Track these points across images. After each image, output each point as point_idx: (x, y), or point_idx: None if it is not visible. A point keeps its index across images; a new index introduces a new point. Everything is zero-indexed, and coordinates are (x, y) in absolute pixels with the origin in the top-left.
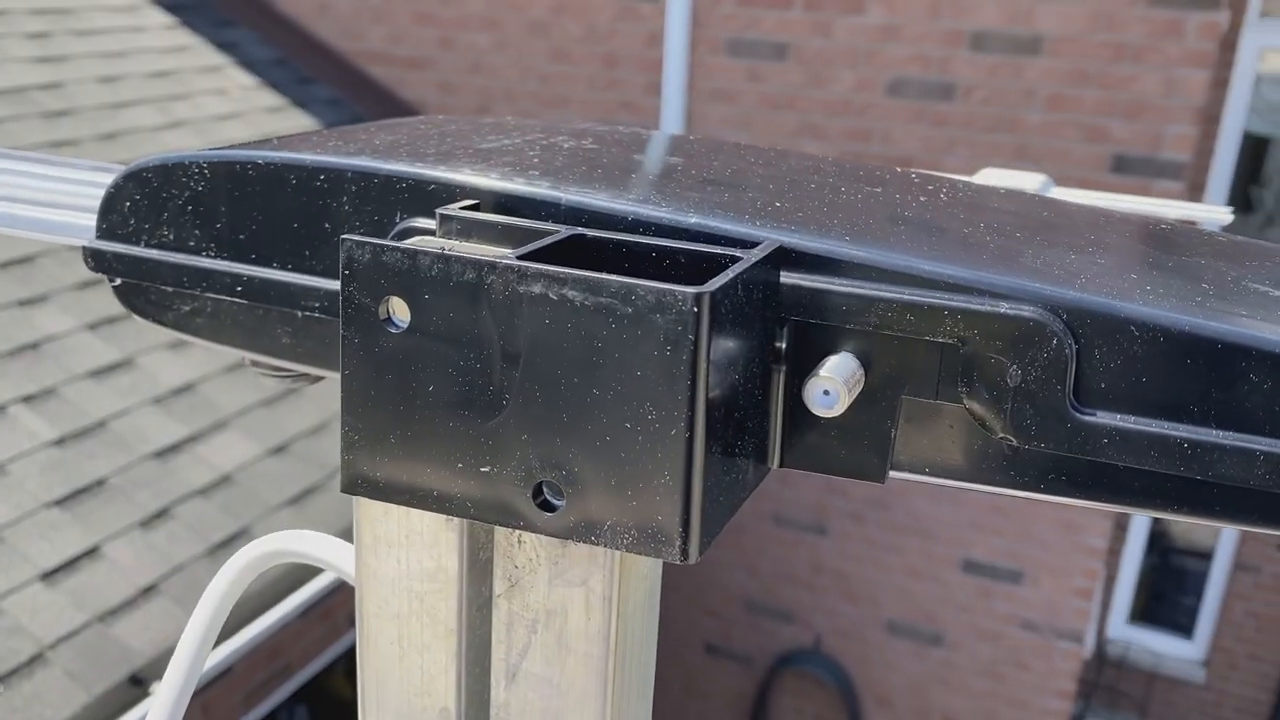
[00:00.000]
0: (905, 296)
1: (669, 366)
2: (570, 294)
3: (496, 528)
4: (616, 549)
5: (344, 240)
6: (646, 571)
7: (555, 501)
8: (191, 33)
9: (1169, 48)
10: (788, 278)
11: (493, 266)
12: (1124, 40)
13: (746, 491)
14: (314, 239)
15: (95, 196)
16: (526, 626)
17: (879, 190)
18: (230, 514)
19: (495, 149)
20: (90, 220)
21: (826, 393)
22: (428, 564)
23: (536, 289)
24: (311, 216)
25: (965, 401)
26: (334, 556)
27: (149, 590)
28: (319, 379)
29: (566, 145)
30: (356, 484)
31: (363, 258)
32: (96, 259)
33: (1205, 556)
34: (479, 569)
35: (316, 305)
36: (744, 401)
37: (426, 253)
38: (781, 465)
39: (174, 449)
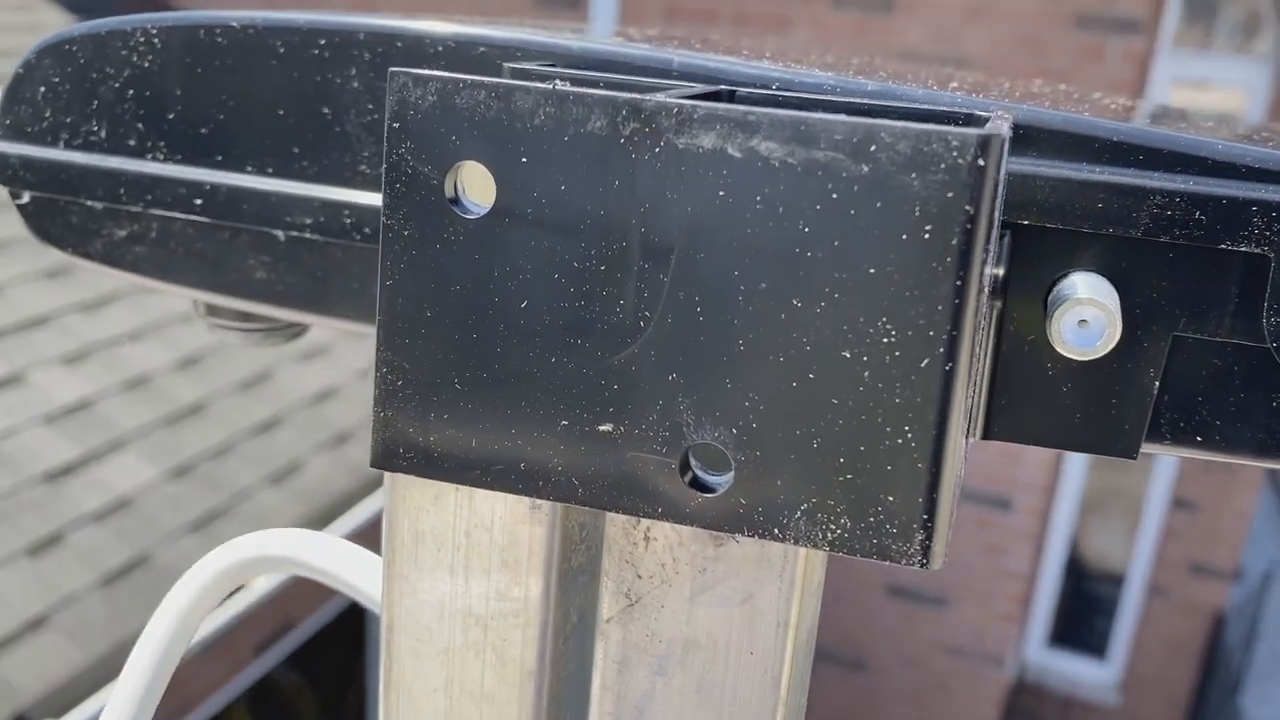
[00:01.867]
0: (1198, 188)
1: (927, 255)
2: (766, 147)
3: (608, 523)
4: (811, 546)
5: (393, 75)
6: (820, 582)
7: (713, 478)
8: None
9: (1092, 71)
10: (1017, 164)
11: (637, 108)
12: (1049, 65)
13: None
14: (306, 131)
15: None
16: (651, 666)
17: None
18: (127, 540)
19: (546, 26)
20: None
21: (1083, 323)
22: (499, 575)
23: (708, 141)
24: (305, 99)
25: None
26: (345, 566)
27: (37, 623)
28: (299, 331)
29: (637, 34)
30: (395, 454)
31: (423, 101)
32: None
33: (1118, 580)
34: (570, 583)
35: (307, 222)
36: (980, 340)
37: (529, 89)
38: (986, 437)
39: (66, 471)
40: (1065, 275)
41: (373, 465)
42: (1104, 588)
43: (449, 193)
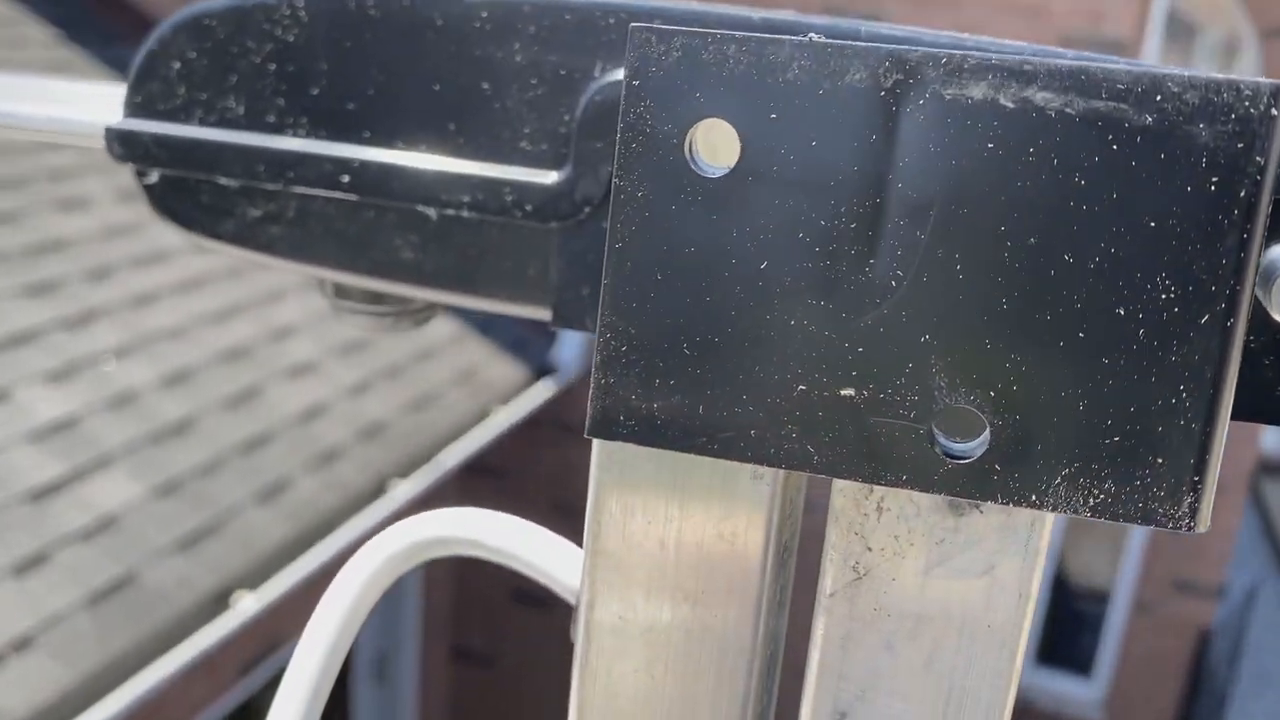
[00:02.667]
0: None
1: (1213, 208)
2: (1042, 97)
3: (835, 493)
4: (1071, 513)
5: (635, 30)
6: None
7: (963, 445)
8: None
9: None
10: None
11: (901, 59)
12: None
13: None
14: (463, 106)
15: (109, 97)
16: (878, 642)
17: None
18: (113, 558)
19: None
20: (108, 106)
21: None
22: (713, 547)
23: (978, 92)
24: (462, 74)
25: None
26: (530, 547)
27: (23, 643)
28: (429, 315)
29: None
30: (615, 422)
31: (666, 57)
32: (126, 144)
33: (1103, 598)
34: (782, 555)
35: (465, 200)
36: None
37: (783, 41)
38: None
39: (52, 489)
40: (1274, 244)
41: (589, 434)
42: (1089, 605)
43: (687, 152)
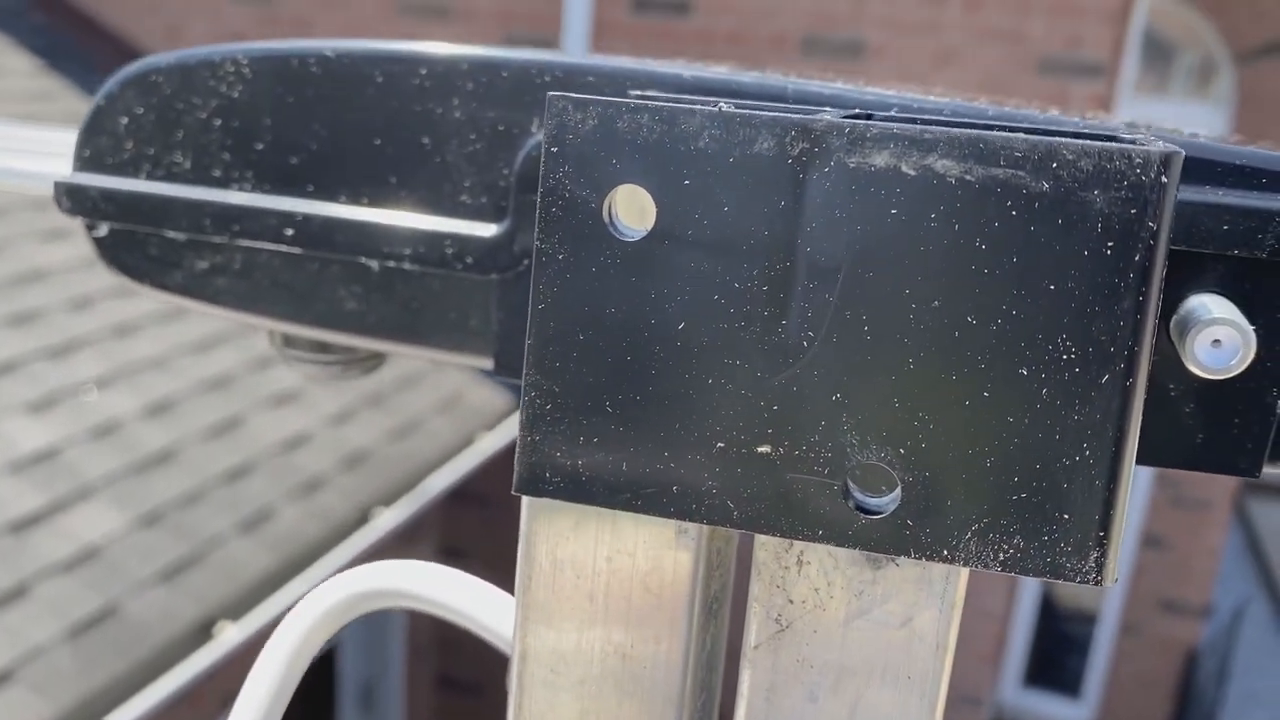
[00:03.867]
0: None
1: (1109, 272)
2: (942, 165)
3: (758, 546)
4: (981, 567)
5: (553, 99)
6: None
7: (875, 501)
8: None
9: None
10: None
11: (806, 129)
12: None
13: None
14: (404, 160)
15: (59, 144)
16: (802, 693)
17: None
18: (95, 590)
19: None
20: (60, 157)
21: (1216, 343)
22: (641, 600)
23: (881, 160)
24: (403, 129)
25: None
26: (464, 598)
27: (2, 677)
28: (377, 363)
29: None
30: (541, 479)
31: (583, 125)
32: (75, 198)
33: (1090, 619)
34: (710, 607)
35: (406, 252)
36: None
37: (694, 111)
38: None
39: (32, 520)
40: (1188, 297)
41: (516, 490)
42: (1077, 626)
43: (605, 216)
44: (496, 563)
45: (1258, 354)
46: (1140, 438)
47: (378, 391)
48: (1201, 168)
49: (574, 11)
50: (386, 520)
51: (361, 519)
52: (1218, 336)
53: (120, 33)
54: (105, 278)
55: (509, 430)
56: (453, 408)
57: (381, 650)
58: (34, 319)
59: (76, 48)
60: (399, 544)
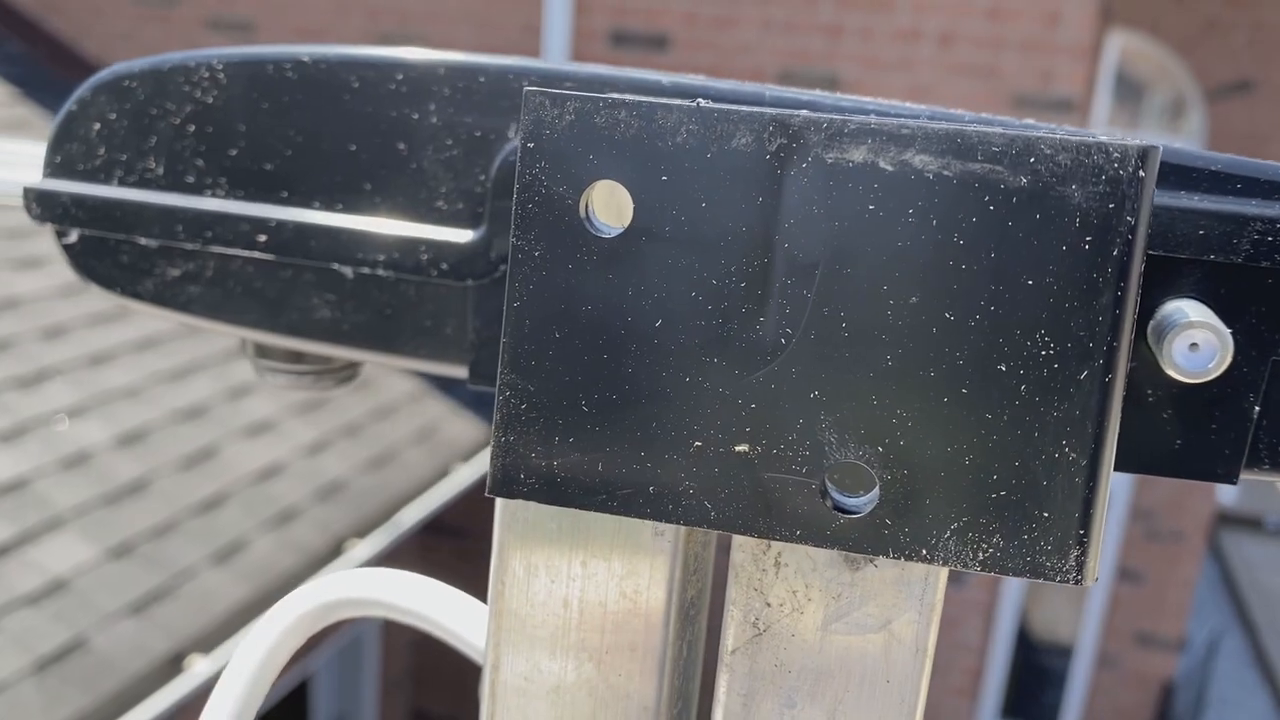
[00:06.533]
0: None
1: (1087, 267)
2: (920, 160)
3: (735, 549)
4: (961, 567)
5: (529, 94)
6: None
7: (852, 500)
8: None
9: None
10: None
11: (784, 124)
12: None
13: None
14: (379, 166)
15: (28, 154)
16: (779, 698)
17: None
18: (63, 623)
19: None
20: (28, 167)
21: (1194, 347)
22: (616, 605)
23: (858, 155)
24: (378, 135)
25: None
26: (436, 607)
27: None
28: (351, 373)
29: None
30: (516, 481)
31: (560, 120)
32: (45, 204)
33: (1066, 652)
34: (687, 611)
35: (380, 259)
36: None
37: (671, 106)
38: None
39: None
40: (1164, 302)
41: (490, 493)
42: (1053, 659)
43: (582, 213)
44: (473, 595)
45: (1234, 359)
46: (1119, 443)
47: (353, 422)
48: (1178, 174)
49: (552, 44)
50: (361, 552)
51: (336, 550)
52: (1195, 340)
53: (97, 62)
54: (79, 306)
55: (485, 462)
56: (428, 439)
57: (355, 684)
58: (6, 348)
59: (53, 76)
60: None
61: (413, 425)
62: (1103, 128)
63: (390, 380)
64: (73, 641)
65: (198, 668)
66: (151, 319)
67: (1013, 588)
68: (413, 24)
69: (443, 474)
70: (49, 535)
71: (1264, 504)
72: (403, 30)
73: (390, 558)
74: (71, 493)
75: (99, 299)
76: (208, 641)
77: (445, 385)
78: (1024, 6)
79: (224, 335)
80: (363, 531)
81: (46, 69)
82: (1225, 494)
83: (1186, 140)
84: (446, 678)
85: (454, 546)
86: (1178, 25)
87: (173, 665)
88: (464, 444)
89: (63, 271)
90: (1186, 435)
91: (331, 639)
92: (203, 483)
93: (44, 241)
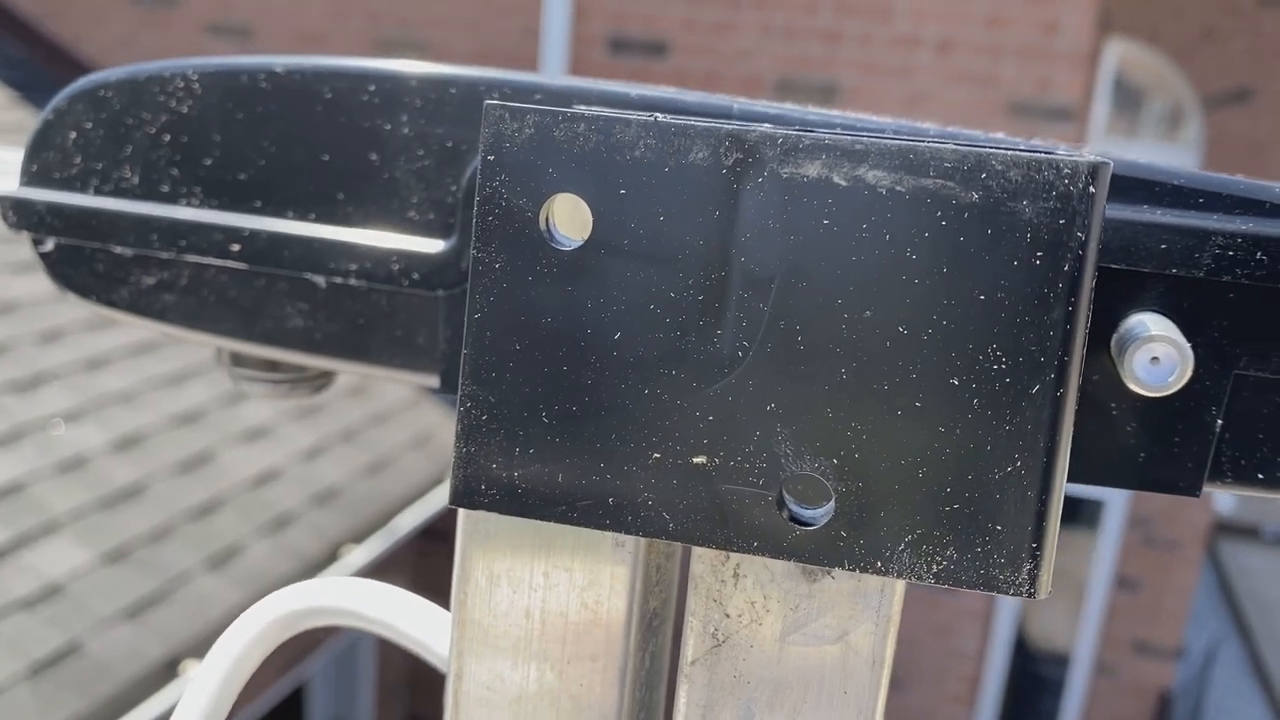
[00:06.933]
0: (1259, 229)
1: (1039, 282)
2: (873, 175)
3: (695, 559)
4: (914, 579)
5: (489, 108)
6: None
7: (810, 512)
8: None
9: None
10: None
11: (740, 139)
12: None
13: None
14: (352, 177)
15: (6, 161)
16: (738, 710)
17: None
18: (57, 627)
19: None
20: (6, 174)
21: (1155, 360)
22: (578, 615)
23: (813, 170)
24: (351, 145)
25: None
26: (402, 616)
27: None
28: (326, 382)
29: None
30: (477, 491)
31: (519, 134)
32: (21, 212)
33: (1064, 660)
34: (650, 622)
35: (352, 268)
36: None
37: (629, 121)
38: None
39: None
40: (1127, 315)
41: (452, 503)
42: (1050, 668)
43: (542, 225)
44: None
45: (1195, 372)
46: (1083, 457)
47: (350, 428)
48: (1141, 188)
49: (551, 52)
50: (357, 558)
51: (331, 556)
52: (1156, 354)
53: (96, 66)
54: (76, 311)
55: None
56: (425, 444)
57: (350, 690)
58: (2, 352)
59: (52, 80)
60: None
61: (409, 431)
62: (1096, 137)
63: (387, 386)
64: (68, 646)
65: (193, 673)
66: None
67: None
68: (412, 29)
69: (439, 480)
70: (44, 539)
71: (1261, 513)
72: (402, 35)
73: (386, 563)
74: (67, 497)
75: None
76: (203, 647)
77: (442, 391)
78: (1022, 14)
79: (199, 344)
80: (359, 537)
81: (46, 72)
82: (1223, 503)
83: (1185, 148)
84: (442, 685)
85: (450, 552)
86: (1176, 33)
87: (168, 670)
88: None
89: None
90: (1150, 448)
91: (328, 644)
92: (198, 488)
93: None
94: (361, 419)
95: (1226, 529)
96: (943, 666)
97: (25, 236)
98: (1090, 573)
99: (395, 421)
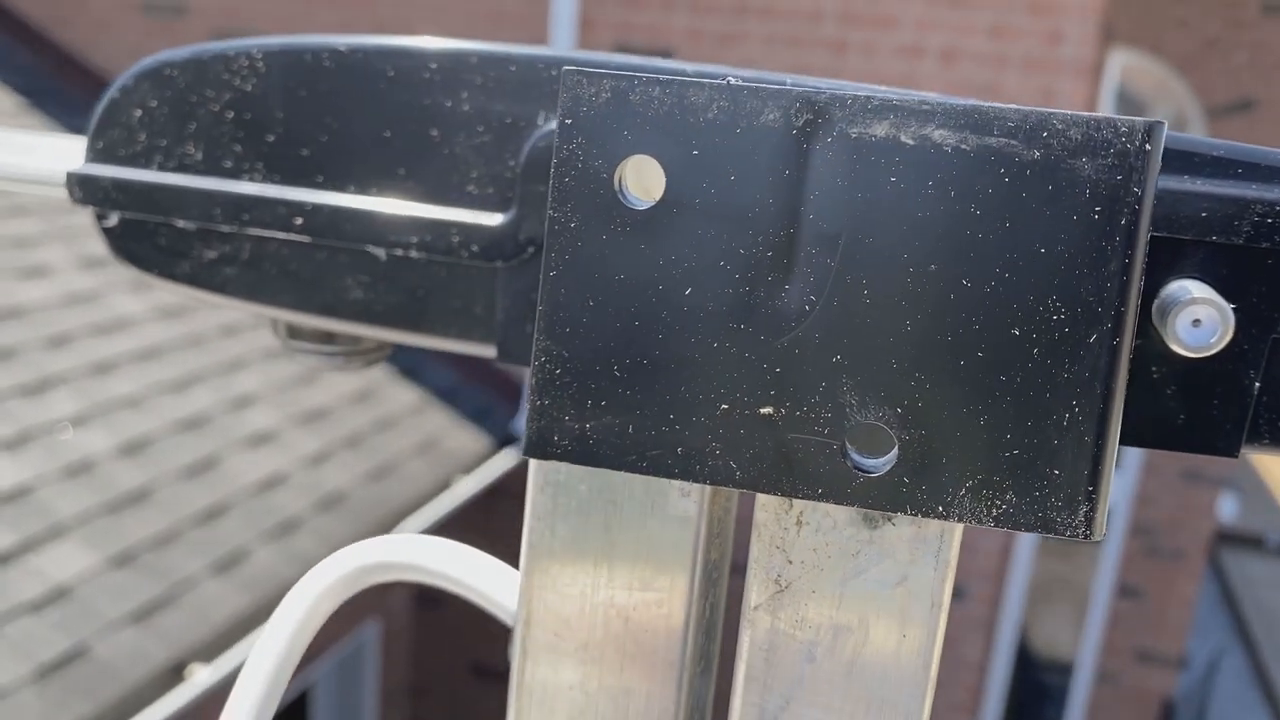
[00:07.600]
0: None
1: (1097, 236)
2: (939, 134)
3: (759, 508)
4: (975, 523)
5: (568, 73)
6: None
7: (872, 460)
8: None
9: None
10: None
11: (810, 101)
12: None
13: None
14: (413, 152)
15: (69, 148)
16: (800, 653)
17: None
18: (64, 630)
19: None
20: (66, 158)
21: (1197, 322)
22: (643, 566)
23: (881, 130)
24: (412, 122)
25: None
26: (468, 570)
27: None
28: (381, 354)
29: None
30: (550, 442)
31: (597, 97)
32: (87, 188)
33: (1067, 669)
34: (710, 574)
35: (413, 241)
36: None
37: (703, 84)
38: None
39: (2, 559)
40: (1168, 282)
41: (526, 454)
42: (1053, 676)
43: (616, 186)
44: (476, 607)
45: (1235, 336)
46: (1125, 419)
47: (355, 434)
48: (1181, 159)
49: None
50: None
51: None
52: (1198, 316)
53: (104, 74)
54: (83, 316)
55: (486, 474)
56: (430, 451)
57: (354, 696)
58: (10, 356)
59: (60, 88)
60: (376, 586)
61: (414, 437)
62: None
63: (392, 392)
64: (74, 649)
65: (198, 677)
66: (155, 326)
67: (1013, 605)
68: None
69: (444, 486)
70: (51, 543)
71: (1265, 522)
72: None
73: None
74: (74, 501)
75: (102, 309)
76: (209, 651)
77: (448, 397)
78: (1026, 25)
79: (256, 316)
80: None
81: (54, 80)
82: (1226, 512)
83: None
84: (445, 691)
85: None
86: (1179, 44)
87: (174, 674)
88: (465, 456)
89: (67, 281)
90: (1190, 410)
91: (332, 649)
92: (204, 493)
93: (49, 251)
94: (366, 425)
95: (1230, 538)
96: (946, 675)
97: (89, 213)
98: (1093, 581)
99: (400, 427)
